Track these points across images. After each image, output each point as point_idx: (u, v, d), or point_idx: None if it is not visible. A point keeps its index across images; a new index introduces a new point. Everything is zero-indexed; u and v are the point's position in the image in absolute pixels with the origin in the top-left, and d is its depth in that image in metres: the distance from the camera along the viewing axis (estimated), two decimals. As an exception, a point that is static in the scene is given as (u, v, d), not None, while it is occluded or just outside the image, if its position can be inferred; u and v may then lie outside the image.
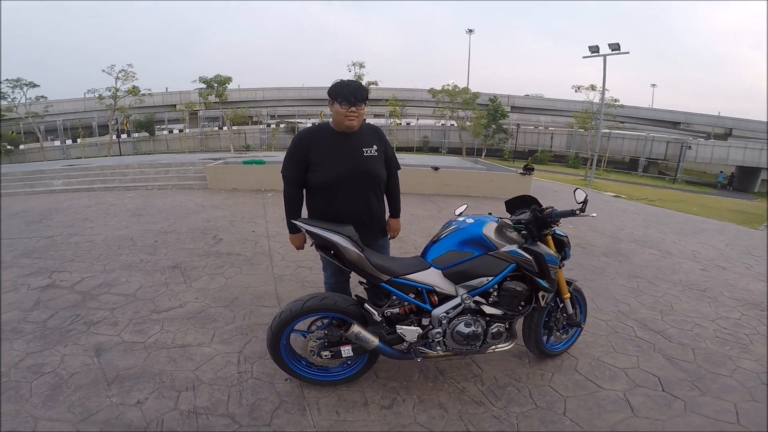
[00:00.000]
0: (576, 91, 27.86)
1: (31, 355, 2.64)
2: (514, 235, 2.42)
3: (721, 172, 30.34)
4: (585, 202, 2.39)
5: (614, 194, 13.93)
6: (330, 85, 2.25)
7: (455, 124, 32.69)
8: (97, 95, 26.01)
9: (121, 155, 23.32)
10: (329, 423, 2.14)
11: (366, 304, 2.24)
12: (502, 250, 2.28)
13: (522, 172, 9.50)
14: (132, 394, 2.30)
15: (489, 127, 29.96)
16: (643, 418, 2.31)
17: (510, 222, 2.56)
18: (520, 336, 2.71)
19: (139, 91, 26.66)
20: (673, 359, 2.95)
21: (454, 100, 30.40)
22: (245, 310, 3.33)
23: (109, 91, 25.97)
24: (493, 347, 2.41)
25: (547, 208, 2.47)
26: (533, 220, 2.46)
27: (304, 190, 2.44)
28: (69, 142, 28.15)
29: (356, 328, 2.15)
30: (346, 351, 2.23)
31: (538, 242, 2.45)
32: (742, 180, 30.42)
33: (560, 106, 37.01)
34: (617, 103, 27.85)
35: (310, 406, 2.26)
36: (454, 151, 32.33)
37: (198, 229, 5.66)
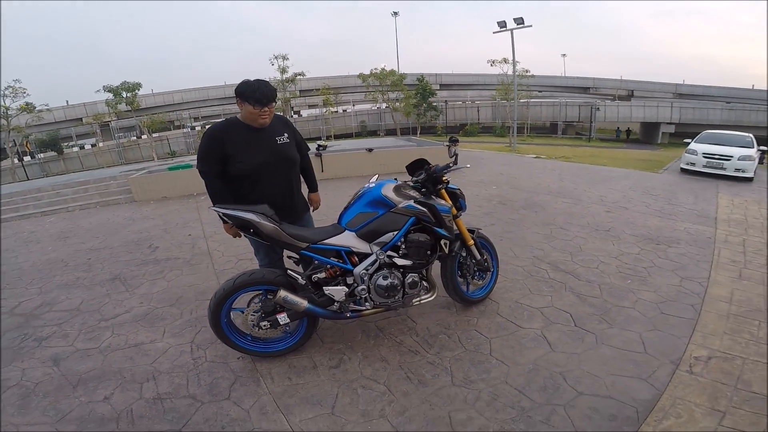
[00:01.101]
0: (492, 65, 28.99)
1: (-10, 374, 2.61)
2: (412, 192, 2.70)
3: (618, 128, 33.99)
4: (456, 155, 2.86)
5: (535, 156, 14.90)
6: (238, 84, 2.31)
7: (389, 107, 32.95)
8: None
9: (28, 179, 21.04)
10: (282, 388, 2.35)
11: (289, 271, 2.43)
12: (400, 206, 2.54)
13: (447, 144, 10.05)
14: (98, 392, 2.40)
15: (420, 106, 30.51)
16: (560, 353, 2.54)
17: (410, 183, 2.84)
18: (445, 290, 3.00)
19: (35, 108, 23.48)
20: (582, 296, 3.26)
21: (383, 83, 30.54)
22: (191, 306, 3.42)
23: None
24: (417, 299, 2.67)
25: (432, 166, 2.77)
26: (427, 178, 2.75)
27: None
28: (-42, 170, 24.81)
29: (283, 293, 2.33)
30: (282, 318, 2.42)
31: (433, 196, 2.74)
32: (646, 134, 33.65)
33: (483, 80, 38.09)
34: (529, 74, 29.48)
35: (264, 376, 2.46)
36: (391, 132, 32.43)
37: (131, 241, 5.50)
